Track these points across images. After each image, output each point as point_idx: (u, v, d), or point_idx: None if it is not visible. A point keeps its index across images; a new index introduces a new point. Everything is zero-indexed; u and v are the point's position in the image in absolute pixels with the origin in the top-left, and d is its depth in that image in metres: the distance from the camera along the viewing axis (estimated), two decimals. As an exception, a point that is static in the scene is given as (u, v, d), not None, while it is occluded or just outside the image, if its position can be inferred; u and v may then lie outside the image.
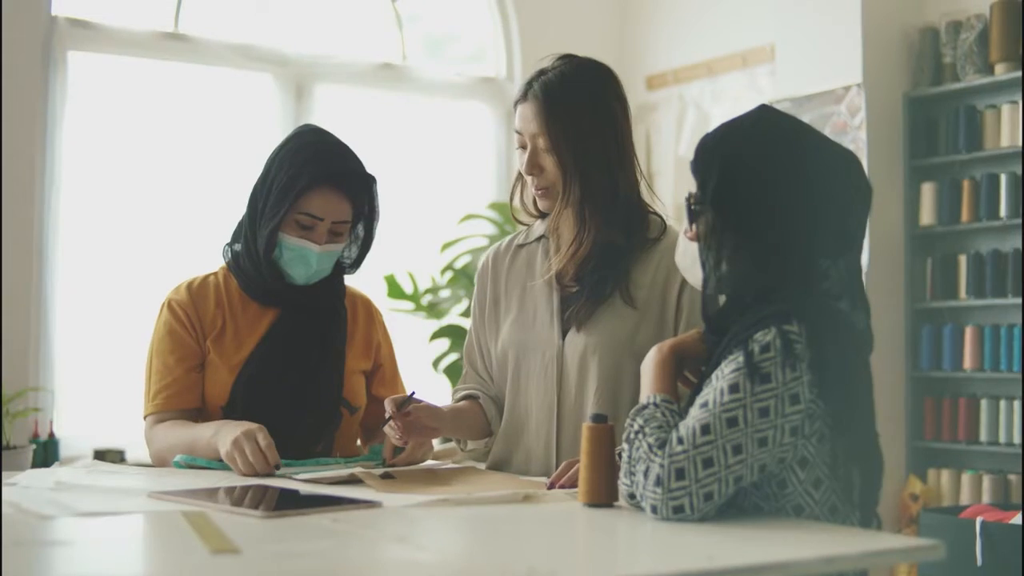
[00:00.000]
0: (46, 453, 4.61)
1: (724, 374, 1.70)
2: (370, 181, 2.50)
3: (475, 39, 6.40)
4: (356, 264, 2.59)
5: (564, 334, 2.34)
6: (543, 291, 2.39)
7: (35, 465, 3.57)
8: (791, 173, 1.77)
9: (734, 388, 1.67)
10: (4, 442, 4.48)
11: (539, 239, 2.46)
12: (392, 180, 5.62)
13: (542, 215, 2.44)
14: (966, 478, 4.90)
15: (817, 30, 5.26)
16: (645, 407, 1.78)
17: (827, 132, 5.08)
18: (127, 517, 1.76)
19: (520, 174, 2.40)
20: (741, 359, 1.68)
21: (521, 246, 2.50)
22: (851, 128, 5.10)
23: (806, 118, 5.19)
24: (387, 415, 2.24)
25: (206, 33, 5.44)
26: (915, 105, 5.18)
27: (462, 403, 2.45)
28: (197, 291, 2.51)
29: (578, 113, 2.29)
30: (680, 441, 1.67)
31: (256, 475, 2.18)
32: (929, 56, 5.16)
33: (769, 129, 1.82)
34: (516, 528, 1.71)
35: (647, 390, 1.82)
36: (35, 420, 4.66)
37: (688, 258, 1.89)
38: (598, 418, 1.86)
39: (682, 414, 1.76)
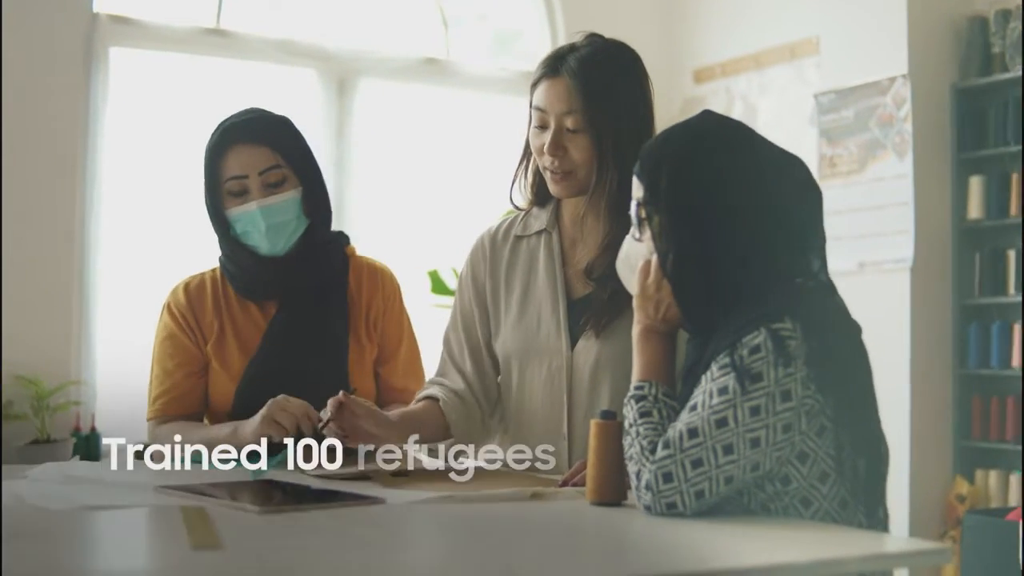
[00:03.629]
0: (88, 447, 4.65)
1: (713, 376, 1.67)
2: (282, 123, 2.46)
3: (520, 33, 6.36)
4: (324, 221, 2.48)
5: (573, 343, 2.21)
6: (547, 293, 2.25)
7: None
8: (740, 168, 1.76)
9: (723, 391, 1.65)
10: (44, 435, 4.56)
11: (540, 233, 2.31)
12: (435, 175, 5.60)
13: (538, 202, 2.33)
14: (1014, 479, 4.80)
15: (862, 20, 5.17)
16: (644, 397, 1.75)
17: (872, 124, 5.01)
18: (127, 511, 1.75)
19: (526, 155, 2.29)
20: (729, 363, 1.65)
21: (520, 237, 2.34)
22: (897, 120, 5.00)
23: (851, 110, 5.11)
24: (327, 417, 2.14)
25: (248, 28, 5.45)
26: (963, 96, 5.07)
27: (417, 406, 2.28)
28: (195, 294, 2.50)
29: (617, 92, 2.18)
30: (666, 445, 1.66)
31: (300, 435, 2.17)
32: (977, 46, 5.05)
33: (713, 127, 1.82)
34: (515, 526, 1.68)
35: (644, 371, 1.79)
36: (76, 414, 4.70)
37: (630, 263, 1.86)
38: (606, 414, 1.82)
39: (679, 410, 1.73)
